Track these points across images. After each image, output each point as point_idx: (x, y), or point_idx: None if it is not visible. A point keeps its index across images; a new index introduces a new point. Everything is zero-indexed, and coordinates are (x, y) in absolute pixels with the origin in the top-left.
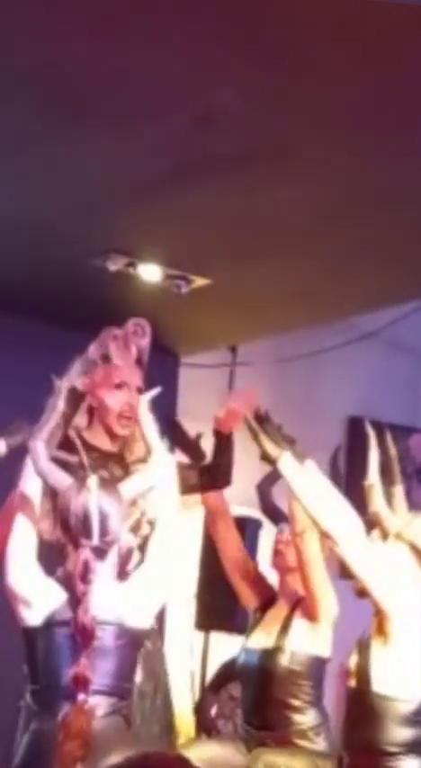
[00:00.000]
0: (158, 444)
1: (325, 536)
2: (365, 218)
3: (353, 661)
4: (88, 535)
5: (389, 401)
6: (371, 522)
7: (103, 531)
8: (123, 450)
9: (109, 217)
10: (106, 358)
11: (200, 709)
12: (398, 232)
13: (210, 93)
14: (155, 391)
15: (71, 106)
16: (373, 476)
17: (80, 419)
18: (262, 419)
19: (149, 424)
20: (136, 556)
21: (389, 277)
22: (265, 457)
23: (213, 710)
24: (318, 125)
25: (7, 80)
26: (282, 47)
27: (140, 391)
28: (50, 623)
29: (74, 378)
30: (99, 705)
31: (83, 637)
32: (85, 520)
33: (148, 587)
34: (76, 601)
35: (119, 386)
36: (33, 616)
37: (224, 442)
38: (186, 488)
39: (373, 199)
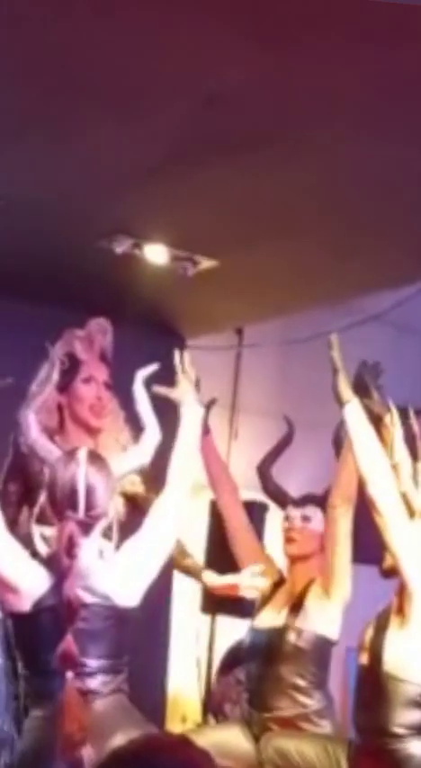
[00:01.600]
0: (152, 422)
1: (370, 503)
2: (371, 201)
3: (367, 637)
4: (74, 508)
5: (396, 383)
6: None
7: (90, 505)
8: (97, 448)
9: (115, 198)
10: (72, 356)
11: (207, 695)
12: (403, 215)
13: (217, 75)
14: (151, 368)
15: (78, 88)
16: (400, 454)
17: (50, 421)
18: (366, 366)
19: (144, 402)
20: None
21: (394, 259)
22: (336, 396)
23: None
24: (324, 108)
25: (14, 63)
26: (288, 30)
27: (108, 387)
28: (38, 609)
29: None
30: (98, 686)
31: (69, 612)
32: (72, 493)
33: (137, 564)
34: (61, 576)
35: (86, 380)
36: (21, 602)
37: None
38: None
39: (379, 182)
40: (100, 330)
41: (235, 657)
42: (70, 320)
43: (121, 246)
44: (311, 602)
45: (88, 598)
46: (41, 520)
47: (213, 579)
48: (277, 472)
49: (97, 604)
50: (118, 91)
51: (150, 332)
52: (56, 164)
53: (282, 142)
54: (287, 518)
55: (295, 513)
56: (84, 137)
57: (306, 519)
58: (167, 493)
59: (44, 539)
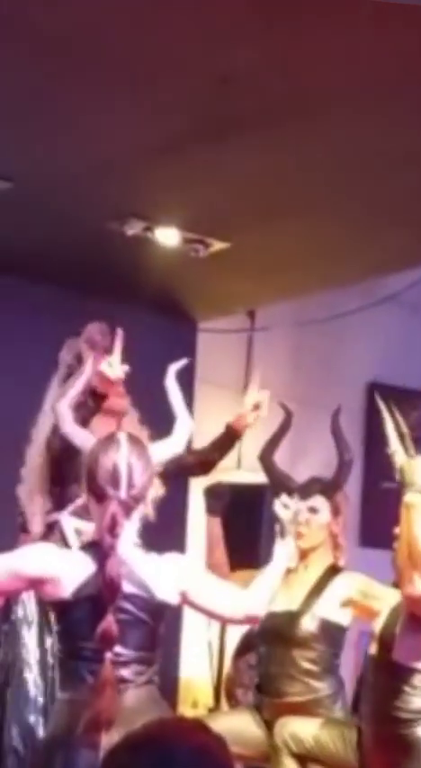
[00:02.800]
0: (184, 413)
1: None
2: (385, 181)
3: (378, 626)
4: (116, 486)
5: (410, 365)
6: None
7: (130, 484)
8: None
9: (126, 180)
10: (80, 358)
11: (219, 680)
12: (417, 195)
13: (229, 54)
14: (181, 363)
15: (89, 70)
16: (394, 444)
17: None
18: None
19: (176, 394)
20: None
21: (408, 239)
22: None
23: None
24: (337, 87)
25: (26, 43)
26: (301, 8)
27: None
28: (78, 597)
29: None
30: (131, 675)
31: (110, 591)
32: (114, 471)
33: (179, 568)
34: (102, 555)
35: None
36: (61, 590)
37: (232, 440)
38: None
39: (393, 162)
40: (98, 332)
41: (249, 642)
42: (81, 304)
43: (133, 229)
44: (333, 589)
45: (128, 588)
46: (75, 513)
47: None
48: (290, 454)
49: (136, 595)
50: (129, 72)
51: (162, 315)
52: (66, 146)
53: (295, 122)
54: (295, 512)
55: (301, 505)
56: (95, 118)
57: (312, 510)
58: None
59: (77, 532)
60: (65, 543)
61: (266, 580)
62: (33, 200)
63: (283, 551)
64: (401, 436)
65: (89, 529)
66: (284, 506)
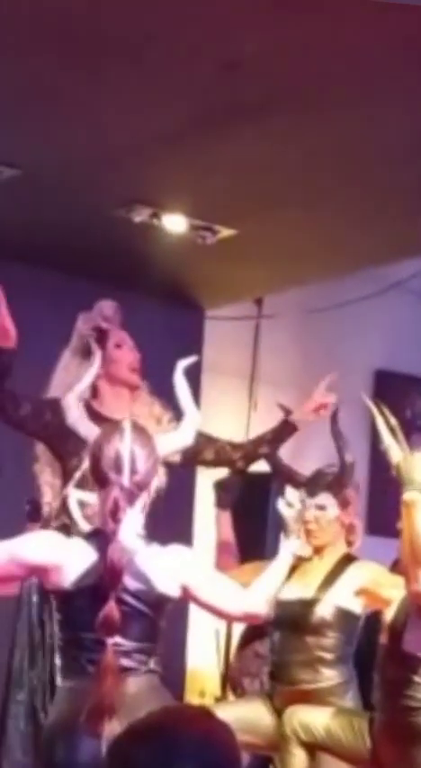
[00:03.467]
0: (191, 407)
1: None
2: (392, 168)
3: (389, 616)
4: (119, 471)
5: (417, 352)
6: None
7: (133, 470)
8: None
9: (133, 166)
10: (98, 329)
11: (226, 668)
12: None
13: (235, 41)
14: (190, 360)
15: (95, 55)
16: (386, 439)
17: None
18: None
19: (183, 388)
20: None
21: (415, 227)
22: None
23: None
24: (344, 74)
25: (34, 30)
26: None
27: (137, 349)
28: (78, 587)
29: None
30: (132, 664)
31: (111, 576)
32: (117, 458)
33: (182, 562)
34: (104, 540)
35: (118, 345)
36: (62, 579)
37: (288, 435)
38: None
39: (399, 149)
40: (110, 307)
41: (253, 632)
42: (88, 291)
43: (139, 216)
44: (346, 578)
45: (128, 580)
46: (81, 485)
47: None
48: (297, 443)
49: (137, 588)
50: (136, 59)
51: (169, 302)
52: (73, 133)
53: (302, 109)
54: (304, 508)
55: (309, 502)
56: (102, 106)
57: (320, 508)
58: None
59: (81, 504)
60: (70, 517)
61: (268, 579)
62: (40, 187)
63: (287, 550)
64: (392, 430)
65: (92, 500)
66: (288, 505)
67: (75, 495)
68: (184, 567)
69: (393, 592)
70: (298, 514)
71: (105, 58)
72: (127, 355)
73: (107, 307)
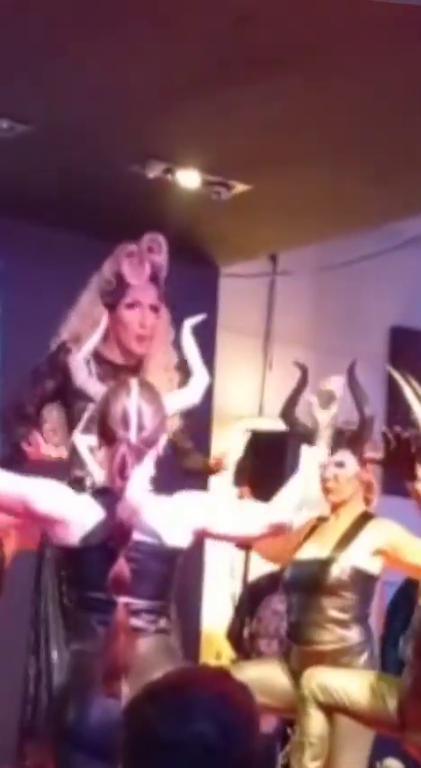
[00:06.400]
0: (200, 367)
1: None
2: (407, 122)
3: None
4: (126, 428)
5: None
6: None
7: (141, 427)
8: (138, 366)
9: (146, 121)
10: (119, 277)
11: (232, 631)
12: None
13: None
14: (198, 318)
15: (107, 9)
16: (418, 409)
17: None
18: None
19: (192, 348)
20: None
21: None
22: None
23: (246, 631)
24: (361, 26)
25: None
26: None
27: (155, 309)
28: (86, 544)
29: (92, 294)
30: (143, 624)
31: (120, 534)
32: (124, 414)
33: (190, 506)
34: (112, 498)
35: (131, 305)
36: (70, 536)
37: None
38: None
39: (415, 103)
40: (153, 248)
41: (262, 588)
42: (101, 248)
43: (153, 171)
44: (363, 538)
45: (138, 535)
46: (88, 430)
47: None
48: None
49: (146, 543)
50: (148, 12)
51: (183, 259)
52: (85, 88)
53: (316, 64)
54: (322, 465)
55: (328, 460)
56: (114, 60)
57: (339, 465)
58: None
59: (91, 450)
60: (81, 464)
61: (291, 487)
62: (52, 143)
63: (311, 456)
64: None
65: None
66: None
67: (84, 441)
68: (196, 510)
69: (412, 555)
70: (331, 420)
71: (118, 13)
72: (137, 319)
73: (147, 246)
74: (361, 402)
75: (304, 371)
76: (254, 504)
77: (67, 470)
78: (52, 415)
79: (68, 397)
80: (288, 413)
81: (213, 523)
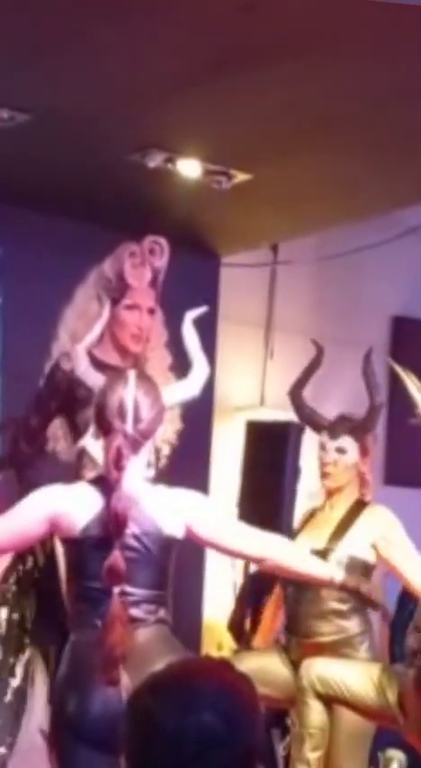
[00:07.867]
0: (200, 359)
1: None
2: (409, 111)
3: None
4: (123, 418)
5: None
6: None
7: (137, 418)
8: (133, 367)
9: (146, 110)
10: (121, 277)
11: (233, 622)
12: None
13: None
14: (200, 310)
15: None
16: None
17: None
18: None
19: (192, 339)
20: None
21: None
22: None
23: (248, 622)
24: (362, 16)
25: None
26: None
27: (152, 312)
28: (86, 535)
29: (88, 290)
30: (141, 614)
31: (116, 525)
32: (121, 405)
33: (186, 496)
34: (109, 490)
35: (130, 307)
36: (71, 527)
37: None
38: None
39: (416, 91)
40: (154, 250)
41: (261, 584)
42: (101, 237)
43: (154, 161)
44: (359, 528)
45: (135, 524)
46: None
47: None
48: (314, 390)
49: (144, 531)
50: (148, 1)
51: (183, 249)
52: (86, 76)
53: (319, 51)
54: (322, 448)
55: (330, 445)
56: (115, 48)
57: (340, 451)
58: None
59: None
60: (93, 465)
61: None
62: (52, 132)
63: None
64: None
65: None
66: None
67: (96, 445)
68: (189, 504)
69: (400, 553)
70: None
71: (118, 1)
72: (134, 321)
73: (149, 248)
74: (373, 390)
75: (320, 351)
76: (242, 524)
77: (75, 475)
78: (56, 423)
79: (72, 406)
80: (296, 393)
81: (200, 524)
